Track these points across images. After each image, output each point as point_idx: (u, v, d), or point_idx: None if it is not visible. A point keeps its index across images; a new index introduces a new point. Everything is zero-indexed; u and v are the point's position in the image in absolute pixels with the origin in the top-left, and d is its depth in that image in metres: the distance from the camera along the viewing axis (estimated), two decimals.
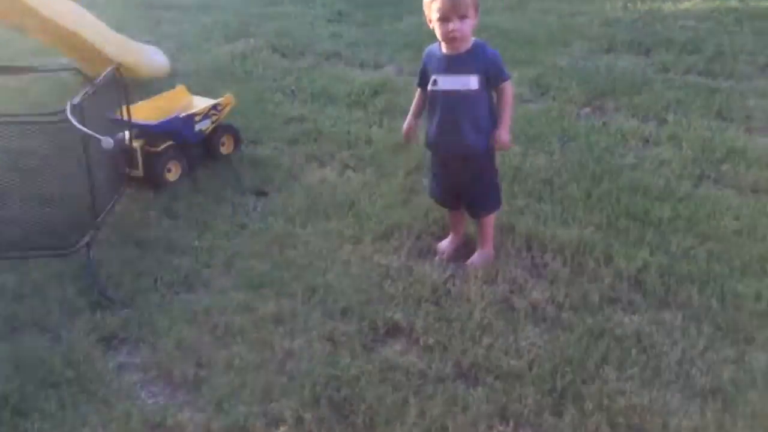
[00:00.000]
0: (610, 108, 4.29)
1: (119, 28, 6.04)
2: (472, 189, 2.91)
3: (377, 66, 5.36)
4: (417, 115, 2.99)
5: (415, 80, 2.95)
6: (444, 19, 2.61)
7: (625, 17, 5.90)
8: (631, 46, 5.22)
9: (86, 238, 3.02)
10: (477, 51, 2.73)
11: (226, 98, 4.09)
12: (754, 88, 4.43)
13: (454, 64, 2.72)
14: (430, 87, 2.79)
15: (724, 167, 3.53)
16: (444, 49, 2.74)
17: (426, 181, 3.13)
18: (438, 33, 2.68)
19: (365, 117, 4.46)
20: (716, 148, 3.67)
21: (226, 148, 4.07)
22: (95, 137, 2.42)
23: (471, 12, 2.63)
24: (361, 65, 5.41)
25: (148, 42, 5.99)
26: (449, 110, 2.77)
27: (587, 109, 4.31)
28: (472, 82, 2.71)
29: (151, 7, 7.57)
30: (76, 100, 2.82)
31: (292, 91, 4.97)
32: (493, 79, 2.75)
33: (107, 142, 2.40)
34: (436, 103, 2.80)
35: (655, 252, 2.93)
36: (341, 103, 4.70)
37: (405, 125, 3.00)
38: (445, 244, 3.11)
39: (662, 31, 5.47)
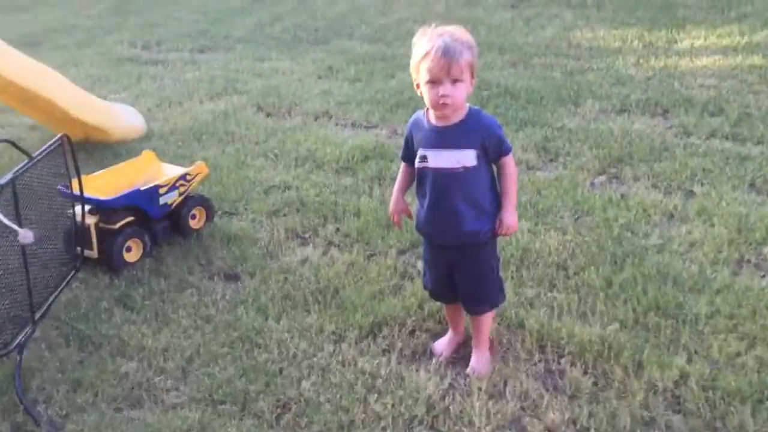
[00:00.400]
0: (627, 177, 3.91)
1: (94, 86, 5.76)
2: (469, 282, 2.50)
3: (368, 126, 5.01)
4: (404, 191, 2.59)
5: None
6: (434, 82, 2.23)
7: (638, 75, 5.58)
8: (646, 106, 4.87)
9: (19, 338, 2.60)
10: (472, 120, 2.33)
11: (198, 166, 3.72)
12: None
13: (445, 136, 2.32)
14: (417, 163, 2.39)
15: (767, 250, 3.12)
16: (433, 118, 2.35)
17: (421, 264, 2.73)
18: (426, 99, 2.27)
19: (354, 185, 4.08)
20: (755, 227, 3.26)
21: (196, 222, 3.68)
22: (13, 229, 2.01)
23: (466, 75, 2.24)
24: (352, 125, 5.07)
25: (122, 100, 5.68)
26: (442, 191, 2.37)
27: (602, 178, 3.93)
28: (467, 157, 2.30)
29: (135, 62, 7.30)
30: (6, 178, 2.44)
31: (275, 155, 4.61)
32: (492, 152, 2.35)
33: (25, 236, 2.00)
34: (426, 182, 2.40)
35: (694, 359, 2.50)
36: (328, 169, 4.33)
37: (391, 206, 2.61)
38: (442, 344, 2.69)
39: (680, 90, 5.13)
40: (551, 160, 4.23)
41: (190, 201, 3.65)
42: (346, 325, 2.83)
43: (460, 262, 2.48)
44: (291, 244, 3.54)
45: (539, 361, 2.58)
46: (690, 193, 3.69)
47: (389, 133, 4.83)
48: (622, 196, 3.70)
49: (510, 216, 2.39)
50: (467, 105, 2.35)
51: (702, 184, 3.75)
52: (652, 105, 4.86)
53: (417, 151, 2.38)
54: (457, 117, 2.32)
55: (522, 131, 4.60)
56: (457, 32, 2.24)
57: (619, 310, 2.80)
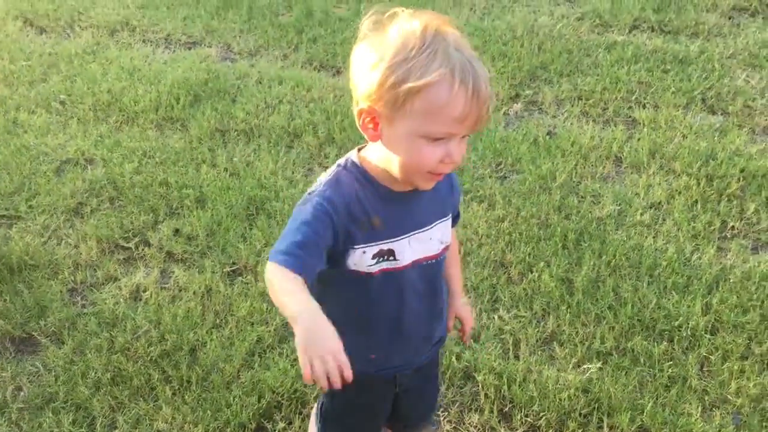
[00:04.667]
0: (549, 101, 3.18)
1: None
2: (431, 396, 1.71)
3: (190, 43, 3.85)
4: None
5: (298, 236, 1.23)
6: (442, 138, 1.19)
7: None
8: None
9: None
10: None
11: None
12: (733, 52, 3.43)
13: (418, 206, 1.34)
14: (370, 267, 1.31)
15: (752, 208, 2.56)
16: (387, 179, 1.29)
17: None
18: (410, 161, 1.22)
19: (187, 147, 3.06)
20: (728, 173, 2.68)
21: None
22: None
23: None
24: (167, 42, 3.88)
25: None
26: (427, 293, 1.41)
27: (518, 106, 3.18)
28: (448, 228, 1.41)
29: None
30: None
31: (62, 103, 3.39)
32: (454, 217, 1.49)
33: None
34: (389, 292, 1.36)
35: (711, 410, 1.94)
36: (145, 122, 3.23)
37: (326, 344, 1.10)
38: None
39: None
40: None
41: None
42: (219, 423, 1.98)
43: (419, 381, 1.58)
44: (110, 264, 2.55)
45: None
46: (632, 122, 3.05)
47: (222, 53, 3.72)
48: (550, 134, 2.98)
49: (468, 308, 1.59)
50: None
51: (644, 106, 3.11)
52: None
53: (359, 246, 1.29)
54: None
55: None
56: (462, 41, 1.20)
57: (592, 332, 2.17)
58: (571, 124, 3.03)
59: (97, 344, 2.25)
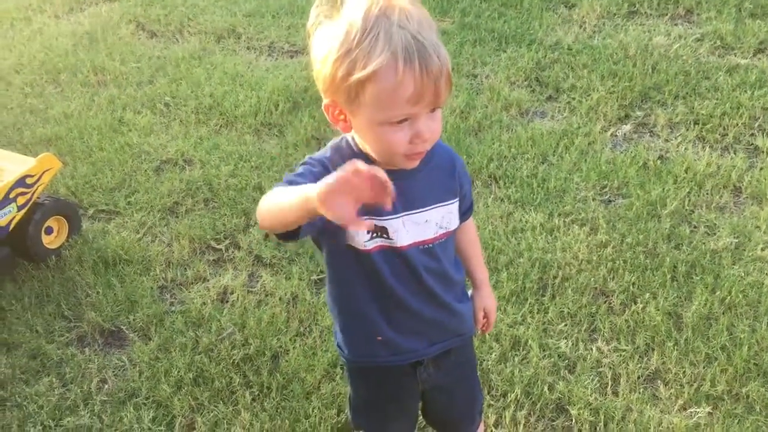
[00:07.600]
0: (661, 123, 3.01)
1: None
2: (467, 394, 1.62)
3: (292, 51, 3.89)
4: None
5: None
6: (410, 116, 1.19)
7: None
8: (663, 5, 3.88)
9: None
10: (438, 149, 1.36)
11: (43, 160, 2.61)
12: None
13: (413, 185, 1.32)
14: (365, 244, 1.32)
15: None
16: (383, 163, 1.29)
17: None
18: (379, 146, 1.24)
19: (283, 153, 3.06)
20: None
21: (53, 238, 2.64)
22: None
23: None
24: (270, 50, 3.93)
25: None
26: (426, 278, 1.38)
27: (627, 127, 3.02)
28: (452, 214, 1.39)
29: None
30: None
31: (167, 105, 3.48)
32: (464, 202, 1.45)
33: None
34: (387, 270, 1.35)
35: None
36: (243, 127, 3.27)
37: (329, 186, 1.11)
38: None
39: None
40: (550, 98, 3.27)
41: (40, 210, 2.59)
42: None
43: (446, 380, 1.54)
44: (200, 264, 2.57)
45: None
46: (755, 150, 2.84)
47: None
48: (662, 158, 2.82)
49: (493, 299, 1.63)
50: None
51: (766, 134, 2.89)
52: (671, 3, 3.88)
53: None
54: None
55: (503, 53, 3.59)
56: (411, 13, 1.16)
57: (702, 372, 2.00)
58: (686, 149, 2.85)
59: (182, 343, 2.26)
